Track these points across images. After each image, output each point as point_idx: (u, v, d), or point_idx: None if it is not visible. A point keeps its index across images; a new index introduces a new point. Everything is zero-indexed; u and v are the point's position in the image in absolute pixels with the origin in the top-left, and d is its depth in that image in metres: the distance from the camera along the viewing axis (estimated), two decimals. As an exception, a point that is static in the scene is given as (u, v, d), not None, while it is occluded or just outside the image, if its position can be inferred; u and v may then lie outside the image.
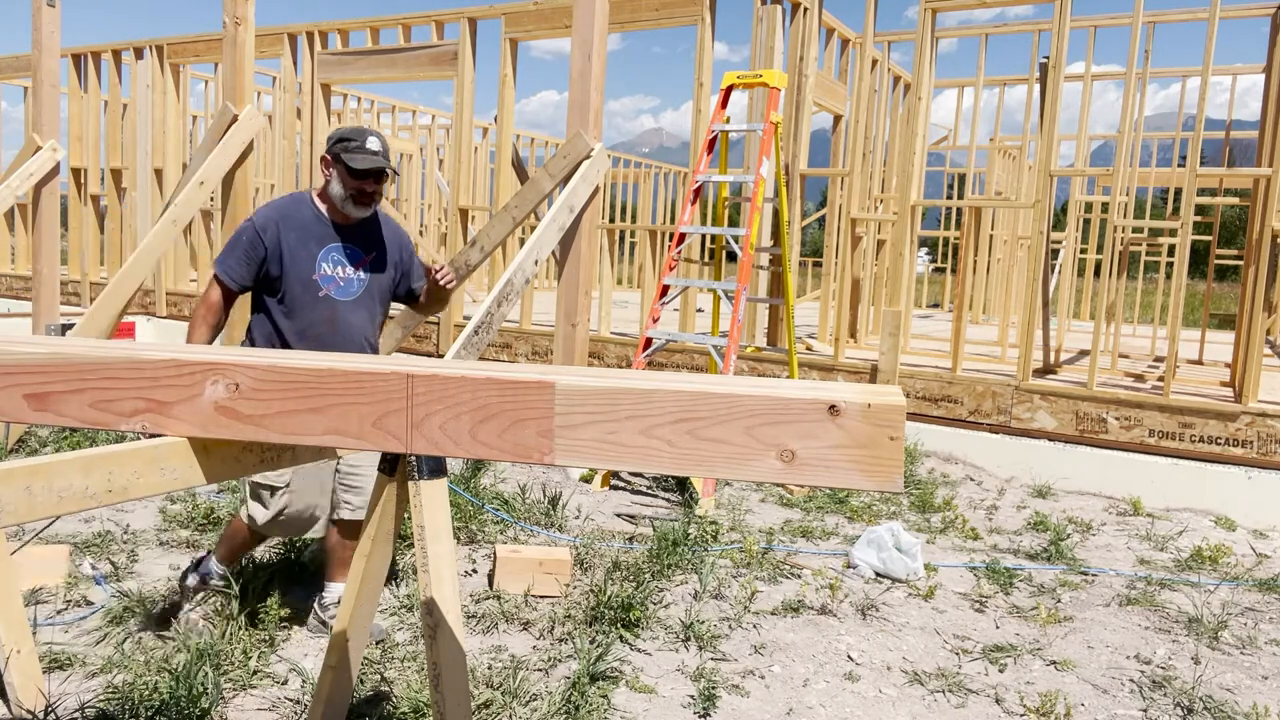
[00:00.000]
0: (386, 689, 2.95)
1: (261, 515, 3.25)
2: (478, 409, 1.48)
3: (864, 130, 7.24)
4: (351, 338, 3.23)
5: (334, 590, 3.35)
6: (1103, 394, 5.82)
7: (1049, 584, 4.25)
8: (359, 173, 3.14)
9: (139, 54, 10.13)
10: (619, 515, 5.07)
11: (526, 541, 4.48)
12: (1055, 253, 10.49)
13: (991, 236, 11.08)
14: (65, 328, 6.18)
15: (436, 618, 1.96)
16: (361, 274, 3.25)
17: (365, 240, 3.27)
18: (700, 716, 2.96)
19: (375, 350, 3.40)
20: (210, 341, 3.20)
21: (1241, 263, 7.14)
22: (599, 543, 4.44)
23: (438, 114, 14.60)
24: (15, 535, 4.12)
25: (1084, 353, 7.82)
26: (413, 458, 1.97)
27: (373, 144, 3.14)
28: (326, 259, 3.19)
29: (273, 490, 3.25)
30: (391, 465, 2.03)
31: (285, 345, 3.15)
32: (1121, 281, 6.98)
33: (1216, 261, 9.32)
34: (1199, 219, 10.06)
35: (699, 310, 8.42)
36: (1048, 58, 6.24)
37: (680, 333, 6.68)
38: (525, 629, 3.52)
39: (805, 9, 6.87)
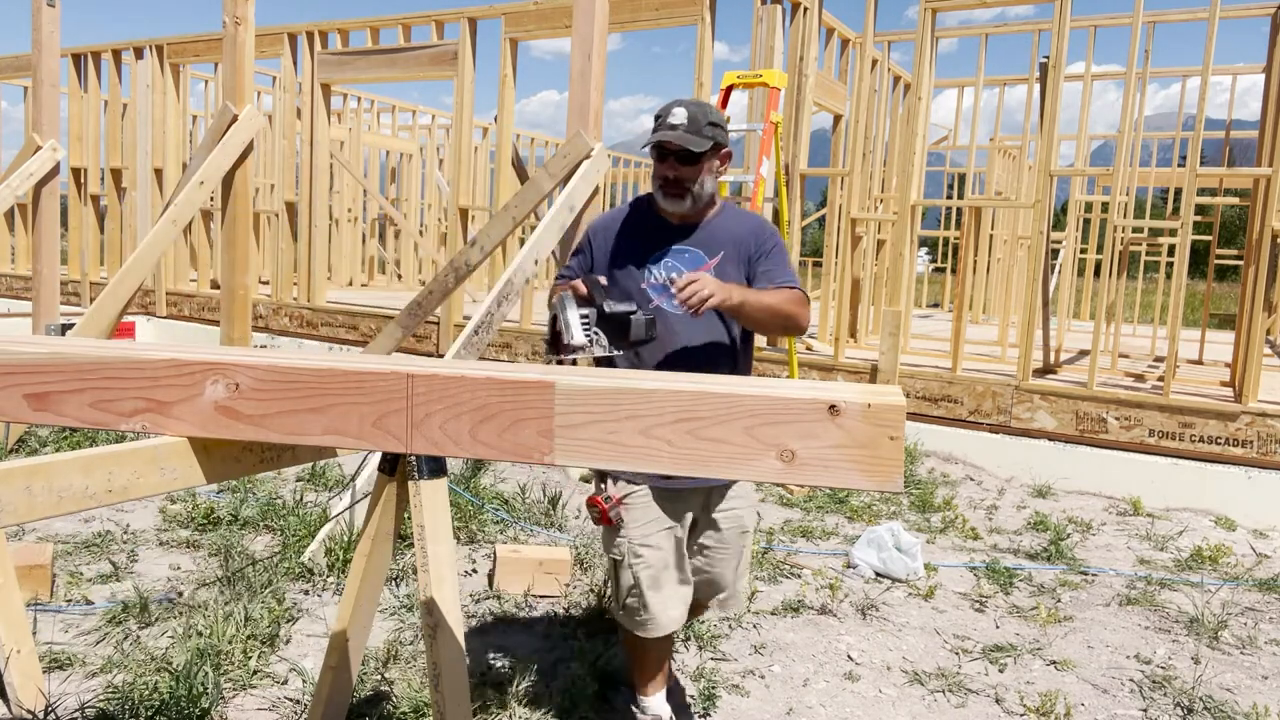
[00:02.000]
0: (386, 689, 2.95)
1: (614, 606, 2.65)
2: (478, 409, 1.48)
3: (864, 130, 7.23)
4: (685, 355, 2.57)
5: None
6: (1103, 394, 5.82)
7: (1049, 584, 4.25)
8: (658, 152, 2.50)
9: (139, 54, 10.13)
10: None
11: (526, 541, 4.48)
12: (1055, 253, 10.48)
13: (991, 236, 11.07)
14: (65, 328, 6.17)
15: (436, 618, 1.96)
16: None
17: (710, 240, 2.59)
18: (700, 716, 2.96)
19: (731, 370, 2.60)
20: None
21: (1241, 263, 7.14)
22: (599, 543, 4.44)
23: (438, 114, 14.60)
24: (15, 535, 4.13)
25: (1084, 353, 7.82)
26: (413, 458, 1.97)
27: (676, 115, 2.46)
28: (660, 265, 2.58)
29: (616, 564, 2.59)
30: (391, 465, 2.03)
31: (613, 365, 2.55)
32: (1121, 281, 6.98)
33: (1216, 261, 9.32)
34: (1199, 219, 10.06)
35: (699, 310, 8.40)
36: (1048, 58, 6.24)
37: (680, 333, 6.67)
38: (525, 629, 3.52)
39: (805, 9, 6.87)
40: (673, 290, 2.36)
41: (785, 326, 2.55)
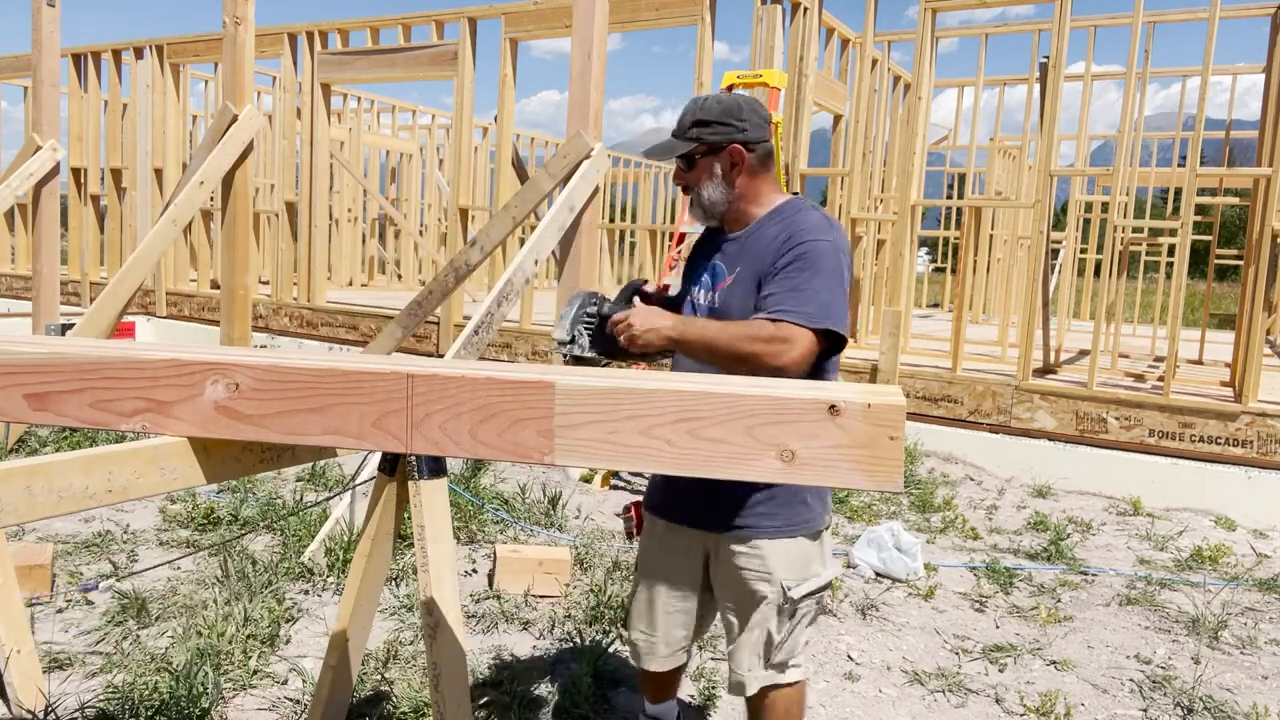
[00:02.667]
0: (387, 689, 2.95)
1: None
2: (478, 409, 1.48)
3: (864, 130, 7.24)
4: None
5: None
6: (1103, 394, 5.82)
7: (1049, 584, 4.25)
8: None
9: (139, 54, 10.13)
10: (619, 515, 5.07)
11: (526, 541, 4.48)
12: (1055, 253, 10.48)
13: (991, 236, 11.07)
14: (65, 328, 6.18)
15: (436, 618, 1.96)
16: (716, 299, 2.20)
17: (738, 253, 2.20)
18: (700, 716, 2.96)
19: None
20: None
21: (1241, 263, 7.14)
22: (599, 543, 4.44)
23: (438, 114, 14.59)
24: (15, 535, 4.13)
25: (1084, 353, 7.82)
26: (413, 458, 1.97)
27: (681, 117, 2.23)
28: (700, 279, 2.29)
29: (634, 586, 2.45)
30: (391, 465, 2.03)
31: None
32: (1121, 281, 6.98)
33: (1216, 261, 9.32)
34: (1199, 219, 10.05)
35: (699, 310, 8.40)
36: (1048, 57, 6.24)
37: (680, 333, 6.67)
38: (525, 629, 3.52)
39: (805, 9, 6.87)
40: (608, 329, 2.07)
41: (744, 364, 1.95)
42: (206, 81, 12.57)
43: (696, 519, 2.21)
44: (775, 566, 2.14)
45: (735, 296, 2.14)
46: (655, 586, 2.34)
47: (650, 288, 2.24)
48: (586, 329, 2.11)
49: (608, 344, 2.11)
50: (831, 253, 2.05)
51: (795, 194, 2.26)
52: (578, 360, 2.18)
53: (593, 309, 2.14)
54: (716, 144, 2.17)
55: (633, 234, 16.03)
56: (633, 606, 2.44)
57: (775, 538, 2.13)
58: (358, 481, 4.23)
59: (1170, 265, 9.34)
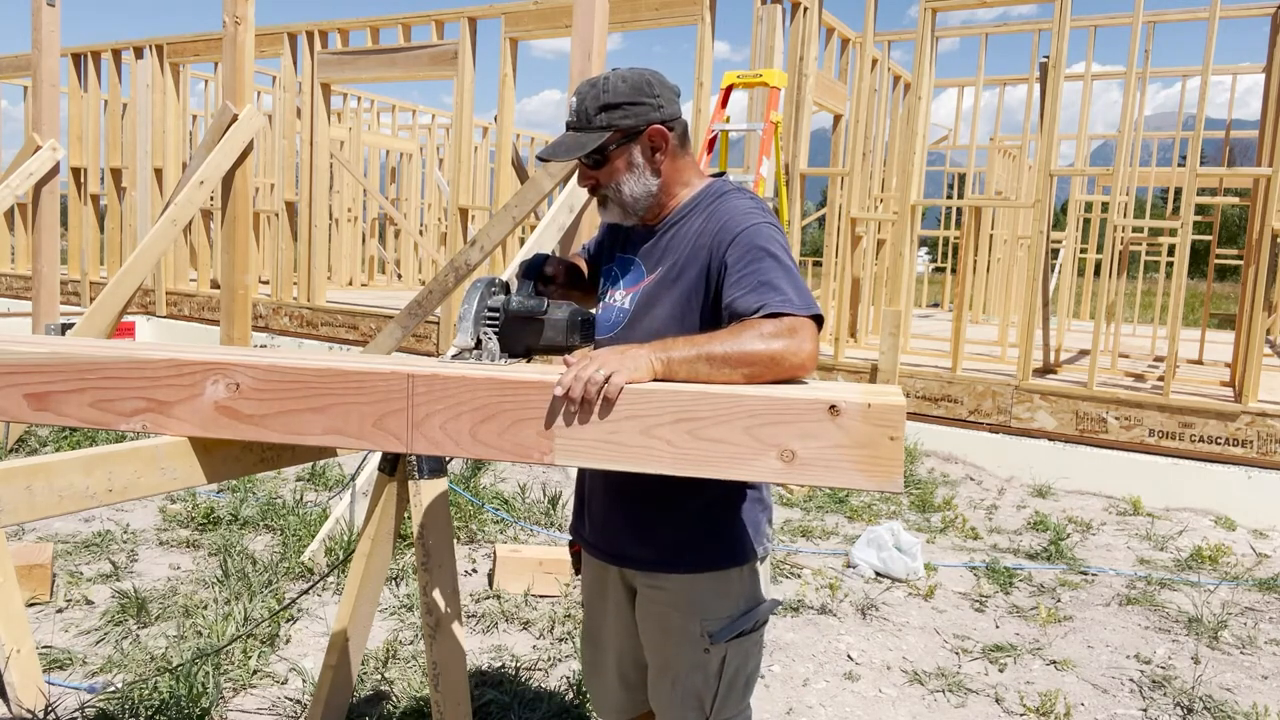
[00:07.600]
0: (386, 689, 2.95)
1: None
2: (478, 409, 1.48)
3: (864, 130, 7.23)
4: None
5: None
6: (1103, 394, 5.82)
7: (1049, 584, 4.25)
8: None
9: (139, 53, 10.14)
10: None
11: (526, 541, 4.48)
12: (1055, 252, 10.48)
13: (991, 236, 11.07)
14: (65, 328, 6.17)
15: (436, 618, 1.96)
16: (628, 302, 1.87)
17: (657, 249, 1.87)
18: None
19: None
20: None
21: (1241, 263, 7.14)
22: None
23: (438, 114, 14.60)
24: (15, 535, 4.13)
25: (1084, 352, 7.81)
26: (413, 457, 1.97)
27: (569, 109, 1.85)
28: (610, 275, 1.96)
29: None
30: (392, 465, 2.03)
31: None
32: (1121, 281, 6.98)
33: (1216, 261, 9.32)
34: (1199, 219, 10.05)
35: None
36: (1048, 57, 6.24)
37: (680, 332, 6.66)
38: (525, 629, 3.52)
39: (805, 8, 6.87)
40: (559, 389, 1.51)
41: (760, 376, 1.53)
42: (206, 81, 12.57)
43: (613, 554, 1.93)
44: (695, 601, 1.83)
45: (658, 297, 1.82)
46: (594, 629, 2.07)
47: (551, 268, 1.94)
48: (490, 325, 1.74)
49: (517, 340, 1.76)
50: (777, 234, 1.77)
51: (719, 174, 1.97)
52: None
53: (495, 301, 1.78)
54: (633, 128, 1.80)
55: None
56: (582, 653, 2.18)
57: (697, 571, 1.82)
58: (358, 482, 4.23)
59: (1170, 265, 9.34)
